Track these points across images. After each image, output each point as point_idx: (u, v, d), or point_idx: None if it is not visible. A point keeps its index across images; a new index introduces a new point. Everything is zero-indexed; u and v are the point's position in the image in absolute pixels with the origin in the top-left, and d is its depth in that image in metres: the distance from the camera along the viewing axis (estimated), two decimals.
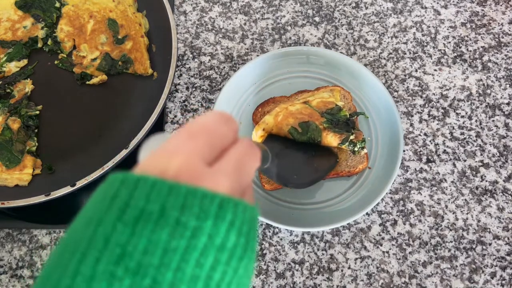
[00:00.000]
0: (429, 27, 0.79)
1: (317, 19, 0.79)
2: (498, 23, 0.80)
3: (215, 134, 0.29)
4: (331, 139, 0.61)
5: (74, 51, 0.71)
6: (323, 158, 0.62)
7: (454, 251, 0.64)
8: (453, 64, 0.76)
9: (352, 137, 0.61)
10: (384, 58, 0.76)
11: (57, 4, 0.73)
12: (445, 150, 0.70)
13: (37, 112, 0.67)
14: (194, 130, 0.29)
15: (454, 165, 0.69)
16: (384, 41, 0.78)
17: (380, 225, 0.65)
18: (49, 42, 0.71)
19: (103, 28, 0.71)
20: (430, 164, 0.69)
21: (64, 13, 0.72)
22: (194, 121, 0.30)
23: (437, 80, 0.75)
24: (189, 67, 0.75)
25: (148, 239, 0.24)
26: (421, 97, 0.74)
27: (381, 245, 0.64)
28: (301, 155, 0.61)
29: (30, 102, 0.68)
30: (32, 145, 0.65)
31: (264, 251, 0.64)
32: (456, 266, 0.63)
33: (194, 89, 0.74)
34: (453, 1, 0.81)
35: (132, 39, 0.70)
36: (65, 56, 0.70)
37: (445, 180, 0.68)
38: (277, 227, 0.65)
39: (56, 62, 0.70)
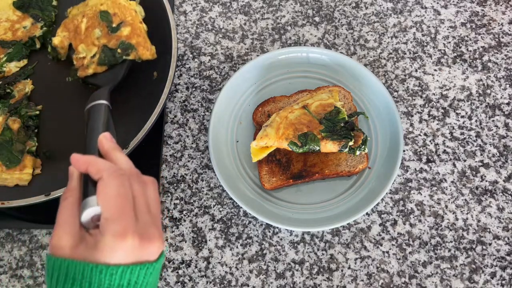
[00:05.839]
0: (429, 27, 0.79)
1: (317, 19, 0.79)
2: (498, 23, 0.80)
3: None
4: (330, 147, 0.62)
5: (74, 55, 0.69)
6: None
7: (454, 251, 0.64)
8: (453, 64, 0.76)
9: (351, 143, 0.62)
10: (384, 58, 0.76)
11: (54, 2, 0.72)
12: (445, 150, 0.70)
13: (37, 112, 0.67)
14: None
15: (454, 165, 0.69)
16: (384, 41, 0.78)
17: (380, 225, 0.65)
18: (49, 49, 0.70)
19: (96, 23, 0.68)
20: (430, 164, 0.69)
21: (62, 23, 0.71)
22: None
23: (437, 80, 0.75)
24: (189, 67, 0.75)
25: None
26: (421, 97, 0.74)
27: (381, 245, 0.64)
28: None
29: (30, 102, 0.67)
30: (32, 145, 0.64)
31: (264, 251, 0.64)
32: (456, 266, 0.63)
33: (194, 89, 0.74)
34: (453, 1, 0.81)
35: (129, 25, 0.67)
36: (74, 69, 0.69)
37: (445, 180, 0.68)
38: (277, 227, 0.65)
39: (68, 79, 0.69)
